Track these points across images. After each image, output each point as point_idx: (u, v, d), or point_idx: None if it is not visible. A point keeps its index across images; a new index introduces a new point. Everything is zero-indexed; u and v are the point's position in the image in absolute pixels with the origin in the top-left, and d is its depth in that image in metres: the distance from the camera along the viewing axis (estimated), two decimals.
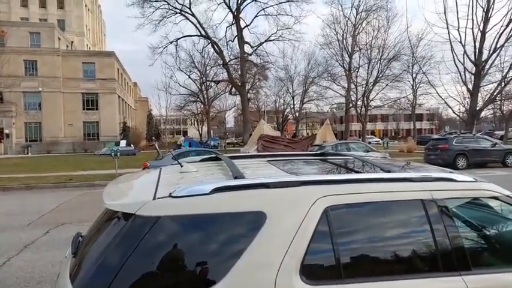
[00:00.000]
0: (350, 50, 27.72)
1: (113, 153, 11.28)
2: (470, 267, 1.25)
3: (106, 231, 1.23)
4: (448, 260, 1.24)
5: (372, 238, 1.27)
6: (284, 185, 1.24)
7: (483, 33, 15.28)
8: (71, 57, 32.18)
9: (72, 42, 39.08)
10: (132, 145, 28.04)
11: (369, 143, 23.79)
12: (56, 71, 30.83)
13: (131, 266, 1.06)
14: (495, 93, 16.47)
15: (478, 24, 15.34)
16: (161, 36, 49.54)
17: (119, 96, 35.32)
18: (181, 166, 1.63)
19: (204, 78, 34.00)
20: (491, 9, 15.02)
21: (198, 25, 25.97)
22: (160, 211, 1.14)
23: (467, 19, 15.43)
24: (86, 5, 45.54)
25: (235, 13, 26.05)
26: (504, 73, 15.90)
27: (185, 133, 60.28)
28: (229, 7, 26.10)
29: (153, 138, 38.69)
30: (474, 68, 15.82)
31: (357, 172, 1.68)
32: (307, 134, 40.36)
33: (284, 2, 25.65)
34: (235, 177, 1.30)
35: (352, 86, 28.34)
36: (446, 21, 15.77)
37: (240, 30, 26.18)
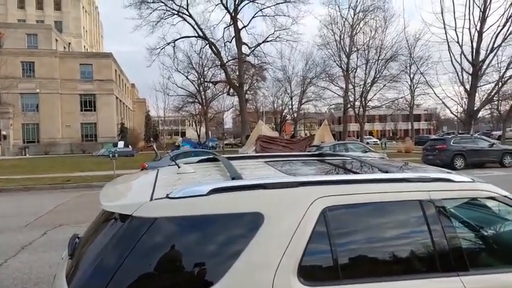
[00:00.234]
0: (348, 51, 27.81)
1: (110, 155, 11.25)
2: (468, 267, 1.25)
3: (103, 232, 1.23)
4: (445, 261, 1.24)
5: (370, 239, 1.27)
6: (282, 185, 1.23)
7: (480, 33, 15.38)
8: (68, 59, 32.07)
9: (69, 43, 38.95)
10: (130, 146, 27.95)
11: (367, 143, 23.86)
12: (54, 72, 30.71)
13: (128, 267, 1.06)
14: (492, 94, 16.58)
15: (475, 24, 15.46)
16: (159, 38, 49.79)
17: (117, 98, 35.22)
18: (179, 167, 1.62)
19: (201, 79, 34.01)
20: (488, 9, 15.14)
21: (195, 26, 26.03)
22: (158, 212, 1.13)
23: (465, 19, 15.55)
24: (83, 7, 45.43)
25: (233, 14, 26.09)
26: (501, 73, 16.01)
27: (183, 134, 60.17)
28: (226, 8, 26.15)
29: (151, 139, 38.57)
30: (471, 68, 15.92)
31: (355, 173, 1.68)
32: (305, 134, 40.40)
33: (281, 3, 25.77)
34: (233, 178, 1.30)
35: (350, 86, 28.43)
36: (444, 21, 15.88)
37: (237, 31, 26.22)
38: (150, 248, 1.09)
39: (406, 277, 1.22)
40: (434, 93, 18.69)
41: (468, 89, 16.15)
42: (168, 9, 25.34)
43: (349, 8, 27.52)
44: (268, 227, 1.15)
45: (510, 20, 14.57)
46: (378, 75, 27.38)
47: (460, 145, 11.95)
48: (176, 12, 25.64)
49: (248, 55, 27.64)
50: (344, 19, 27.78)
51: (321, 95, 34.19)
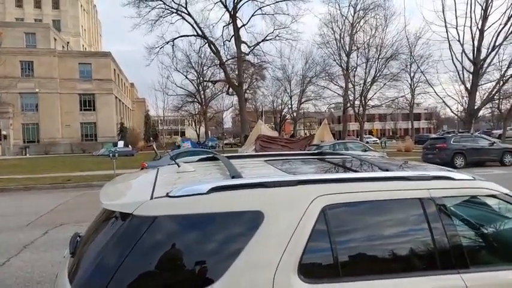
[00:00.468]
0: (348, 49, 27.77)
1: (110, 154, 11.25)
2: (468, 265, 1.25)
3: (104, 231, 1.23)
4: (446, 258, 1.25)
5: (370, 237, 1.27)
6: (282, 184, 1.24)
7: (481, 32, 15.35)
8: (67, 58, 32.00)
9: (68, 42, 38.85)
10: (130, 146, 27.94)
11: (367, 142, 23.87)
12: (53, 71, 30.64)
13: (129, 265, 1.06)
14: (493, 92, 16.57)
15: (476, 22, 15.43)
16: (157, 36, 49.49)
17: (116, 97, 35.17)
18: (179, 166, 1.62)
19: (201, 79, 33.95)
20: (489, 7, 15.11)
21: (194, 25, 25.94)
22: (158, 211, 1.13)
23: (466, 17, 15.53)
24: (81, 5, 45.27)
25: (232, 12, 26.01)
26: (502, 72, 16.00)
27: (183, 134, 60.15)
28: (225, 6, 26.06)
29: (151, 139, 38.57)
30: (472, 67, 15.90)
31: (355, 171, 1.68)
32: (305, 134, 40.40)
33: (281, 1, 25.68)
34: (233, 177, 1.30)
35: (350, 85, 28.40)
36: (445, 19, 15.87)
37: (236, 29, 26.15)
38: (150, 246, 1.09)
39: (407, 274, 1.22)
40: (435, 92, 18.74)
41: (469, 88, 16.14)
42: (166, 7, 25.27)
43: (349, 6, 27.50)
44: (268, 225, 1.15)
45: None
46: (378, 74, 27.35)
47: (460, 144, 11.94)
48: (175, 11, 25.56)
49: (247, 54, 27.58)
50: (344, 17, 27.76)
51: (320, 94, 34.22)
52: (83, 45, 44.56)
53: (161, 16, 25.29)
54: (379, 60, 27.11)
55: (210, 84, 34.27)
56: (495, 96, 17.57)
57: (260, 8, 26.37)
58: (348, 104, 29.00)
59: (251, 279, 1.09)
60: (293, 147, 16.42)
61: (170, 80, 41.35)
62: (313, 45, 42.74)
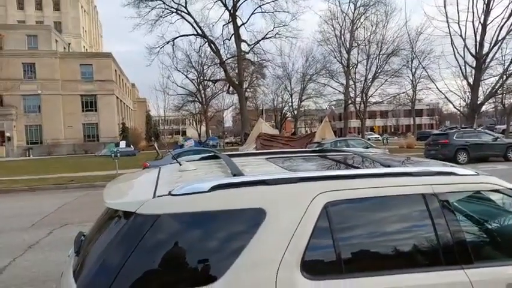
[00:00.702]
0: (348, 46, 27.59)
1: (112, 154, 11.31)
2: (472, 260, 1.25)
3: (107, 230, 1.24)
4: (449, 254, 1.24)
5: (373, 233, 1.27)
6: (283, 181, 1.23)
7: (484, 26, 15.17)
8: (68, 59, 32.12)
9: (69, 44, 38.96)
10: (131, 146, 28.05)
11: (368, 139, 23.78)
12: (54, 73, 30.78)
13: (133, 263, 1.07)
14: (496, 87, 16.39)
15: (478, 16, 15.25)
16: (158, 36, 49.57)
17: (117, 98, 35.28)
18: (181, 165, 1.63)
19: (201, 78, 33.92)
20: (492, 1, 14.91)
21: (194, 24, 25.89)
22: (160, 209, 1.14)
23: (468, 12, 15.33)
24: (81, 7, 45.35)
25: (232, 11, 25.92)
26: (505, 66, 15.82)
27: (184, 133, 60.28)
28: (225, 5, 25.97)
29: (152, 138, 38.70)
30: (475, 62, 15.74)
31: (357, 168, 1.67)
32: (306, 132, 40.31)
33: None
34: (234, 175, 1.30)
35: (351, 82, 28.25)
36: (446, 14, 15.69)
37: (236, 28, 26.07)
38: (153, 244, 1.10)
39: (410, 271, 1.22)
40: (437, 88, 18.55)
41: (471, 83, 15.99)
42: (166, 7, 25.23)
43: (349, 2, 27.26)
44: (270, 222, 1.15)
45: None
46: (379, 71, 27.17)
47: (463, 139, 11.86)
48: (175, 10, 25.52)
49: (247, 52, 27.51)
50: (344, 14, 27.55)
51: (321, 92, 34.07)
52: (84, 47, 44.69)
53: (161, 16, 25.29)
54: (380, 56, 26.93)
55: (210, 83, 34.26)
56: (498, 91, 17.37)
57: (260, 6, 26.29)
58: (349, 101, 28.85)
59: (254, 277, 1.10)
60: (294, 145, 16.38)
61: (171, 79, 41.45)
62: (313, 43, 42.69)
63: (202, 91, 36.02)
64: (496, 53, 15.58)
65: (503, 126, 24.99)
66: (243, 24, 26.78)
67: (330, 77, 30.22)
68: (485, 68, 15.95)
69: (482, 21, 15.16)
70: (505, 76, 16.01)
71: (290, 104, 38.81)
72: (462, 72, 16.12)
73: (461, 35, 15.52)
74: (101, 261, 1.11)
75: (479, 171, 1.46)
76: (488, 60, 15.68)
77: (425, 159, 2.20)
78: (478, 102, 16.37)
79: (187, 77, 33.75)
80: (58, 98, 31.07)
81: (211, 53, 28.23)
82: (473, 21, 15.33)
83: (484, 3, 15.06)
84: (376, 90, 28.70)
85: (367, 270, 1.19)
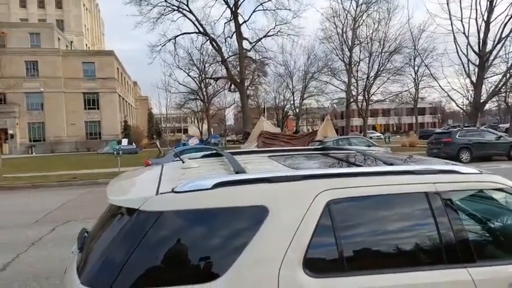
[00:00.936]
0: (350, 44, 27.43)
1: (115, 152, 11.37)
2: (475, 259, 1.25)
3: (111, 226, 1.25)
4: (452, 253, 1.24)
5: (375, 231, 1.27)
6: (286, 179, 1.23)
7: (487, 24, 15.02)
8: (71, 57, 32.19)
9: (71, 42, 39.02)
10: (133, 143, 28.13)
11: (370, 138, 23.68)
12: (57, 71, 30.87)
13: (136, 259, 1.08)
14: (500, 85, 16.25)
15: (482, 14, 15.10)
16: (159, 34, 49.48)
17: (120, 95, 35.35)
18: (183, 162, 1.63)
19: (203, 76, 33.90)
20: None
21: (196, 22, 25.85)
22: (163, 206, 1.14)
23: (471, 9, 15.20)
24: (83, 5, 45.35)
25: (233, 9, 25.82)
26: (509, 64, 15.67)
27: (185, 131, 60.36)
28: (227, 3, 25.88)
29: (154, 136, 38.78)
30: (478, 60, 15.61)
31: (359, 166, 1.67)
32: (308, 130, 40.21)
33: None
34: (237, 172, 1.30)
35: (353, 80, 28.11)
36: (449, 11, 15.56)
37: (238, 26, 25.98)
38: (156, 241, 1.10)
39: (413, 269, 1.21)
40: (440, 86, 18.43)
41: (474, 81, 15.86)
42: (168, 5, 25.20)
43: (351, 0, 27.06)
44: (272, 220, 1.15)
45: None
46: (381, 69, 27.01)
47: (466, 138, 11.78)
48: (176, 8, 25.47)
49: (249, 50, 27.43)
50: (346, 12, 27.37)
51: (323, 90, 33.96)
52: (86, 45, 44.75)
53: (163, 14, 25.28)
54: (382, 54, 26.75)
55: (212, 81, 34.22)
56: (501, 89, 17.22)
57: (261, 4, 26.17)
58: (351, 99, 28.73)
59: (256, 274, 1.10)
60: (296, 143, 16.36)
61: (172, 77, 41.66)
62: (315, 40, 42.31)
63: (204, 89, 36.02)
64: (499, 50, 15.46)
65: (507, 125, 24.75)
66: (245, 22, 26.71)
67: (332, 75, 30.11)
68: (489, 66, 15.81)
69: (485, 18, 15.01)
70: (508, 74, 15.86)
71: (292, 102, 38.76)
72: (465, 70, 16.00)
73: (464, 33, 15.40)
74: (104, 257, 1.12)
75: (482, 170, 1.46)
76: (491, 58, 15.54)
77: (427, 158, 2.19)
78: (481, 101, 16.25)
79: (189, 75, 33.77)
80: (60, 95, 31.20)
81: (213, 51, 28.22)
82: (476, 19, 15.19)
83: (488, 0, 14.89)
84: (378, 88, 28.59)
85: (369, 268, 1.19)
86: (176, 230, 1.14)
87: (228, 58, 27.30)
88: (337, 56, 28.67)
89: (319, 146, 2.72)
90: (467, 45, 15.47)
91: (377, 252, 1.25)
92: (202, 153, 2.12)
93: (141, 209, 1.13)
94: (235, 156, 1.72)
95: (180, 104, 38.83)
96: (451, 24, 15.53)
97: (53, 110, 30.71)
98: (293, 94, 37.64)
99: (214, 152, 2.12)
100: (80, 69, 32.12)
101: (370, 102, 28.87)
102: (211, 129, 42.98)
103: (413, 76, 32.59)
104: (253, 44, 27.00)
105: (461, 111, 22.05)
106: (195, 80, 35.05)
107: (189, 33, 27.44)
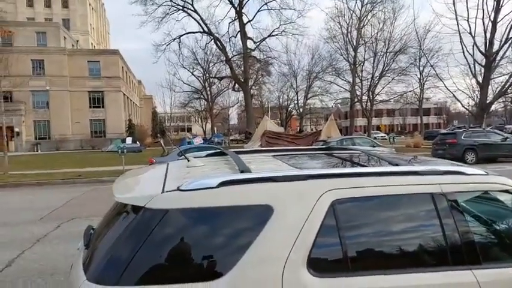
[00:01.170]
0: (355, 44, 27.23)
1: (119, 150, 11.45)
2: (480, 261, 1.24)
3: (117, 223, 1.26)
4: (457, 254, 1.23)
5: (380, 232, 1.26)
6: (291, 178, 1.24)
7: (494, 24, 14.81)
8: (76, 56, 32.52)
9: (77, 41, 39.41)
10: (138, 142, 28.32)
11: (375, 138, 23.52)
12: (63, 69, 31.21)
13: (141, 257, 1.09)
14: (506, 86, 16.00)
15: (488, 14, 14.88)
16: (164, 34, 49.66)
17: (124, 94, 35.62)
18: (188, 161, 1.64)
19: (207, 75, 33.98)
20: None
21: (200, 21, 25.87)
22: (169, 204, 1.15)
23: (478, 9, 14.99)
24: (89, 4, 45.76)
25: (238, 8, 25.81)
26: None
27: (189, 130, 60.62)
28: (231, 2, 25.87)
29: (158, 135, 38.99)
30: (484, 60, 15.40)
31: (364, 166, 1.66)
32: (312, 130, 40.07)
33: None
34: (242, 171, 1.30)
35: (357, 80, 27.92)
36: (455, 11, 15.35)
37: (242, 25, 25.96)
38: (162, 238, 1.11)
39: (417, 270, 1.21)
40: (445, 86, 18.19)
41: (480, 82, 15.65)
42: (173, 4, 25.26)
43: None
44: (277, 219, 1.16)
45: None
46: (386, 69, 26.77)
47: (471, 139, 11.65)
48: (181, 8, 25.55)
49: (253, 50, 27.41)
50: (351, 11, 27.16)
51: (327, 90, 33.80)
52: (91, 44, 45.15)
53: (167, 13, 25.35)
54: (387, 54, 26.50)
55: (216, 80, 34.30)
56: (508, 90, 16.96)
57: (266, 4, 26.09)
58: (355, 99, 28.55)
59: (260, 273, 1.10)
60: (299, 143, 16.33)
61: (177, 76, 41.57)
62: (319, 40, 42.25)
63: (208, 88, 36.09)
64: (506, 51, 15.22)
65: None
66: (249, 21, 26.65)
67: (336, 75, 29.94)
68: (495, 66, 15.59)
69: (492, 18, 14.79)
70: None
71: (296, 101, 38.63)
72: (471, 71, 15.79)
73: (470, 33, 15.19)
74: (110, 254, 1.13)
75: (488, 171, 1.44)
76: (498, 58, 15.32)
77: (433, 158, 2.17)
78: (487, 102, 16.03)
79: (193, 74, 33.90)
80: (66, 94, 31.54)
81: (217, 50, 28.25)
82: (483, 19, 14.97)
83: (494, 0, 14.67)
84: (383, 88, 28.36)
85: (373, 269, 1.19)
86: (181, 228, 1.15)
87: (232, 57, 27.30)
88: (342, 55, 28.51)
89: (323, 146, 2.71)
90: (473, 46, 15.27)
91: (381, 252, 1.25)
92: (206, 152, 2.13)
93: (147, 207, 1.14)
94: (239, 155, 1.72)
95: (184, 103, 39.00)
96: (457, 24, 15.34)
97: (59, 108, 31.06)
98: (297, 94, 37.53)
99: (218, 151, 2.13)
100: (85, 68, 32.42)
101: (374, 103, 28.66)
102: (215, 128, 43.08)
103: (419, 76, 32.30)
104: (258, 43, 26.97)
105: (467, 112, 21.77)
106: (199, 79, 35.19)
107: (193, 32, 27.52)
